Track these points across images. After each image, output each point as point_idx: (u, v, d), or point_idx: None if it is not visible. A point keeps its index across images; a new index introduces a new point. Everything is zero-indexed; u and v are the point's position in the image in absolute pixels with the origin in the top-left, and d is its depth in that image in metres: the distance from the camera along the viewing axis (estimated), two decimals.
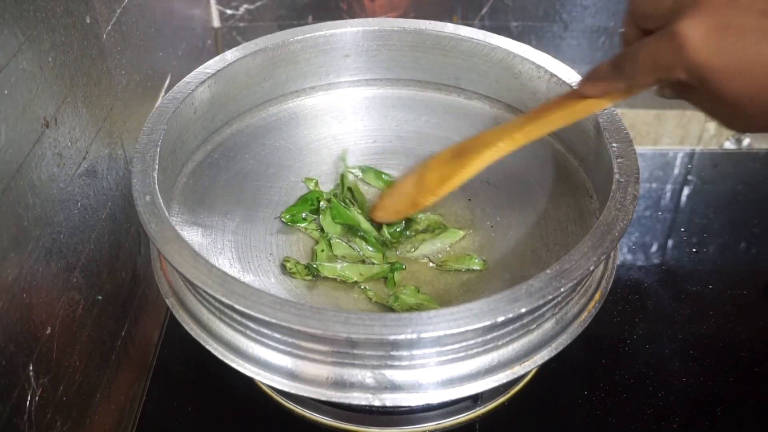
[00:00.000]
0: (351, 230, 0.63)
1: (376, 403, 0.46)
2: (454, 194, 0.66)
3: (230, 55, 0.62)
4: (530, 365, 0.48)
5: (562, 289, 0.43)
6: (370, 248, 0.61)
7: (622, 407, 0.58)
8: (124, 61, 0.59)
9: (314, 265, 0.59)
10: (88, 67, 0.52)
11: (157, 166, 0.52)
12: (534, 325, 0.47)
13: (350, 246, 0.61)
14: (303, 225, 0.63)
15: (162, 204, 0.49)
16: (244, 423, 0.58)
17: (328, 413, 0.57)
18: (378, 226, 0.62)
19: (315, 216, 0.64)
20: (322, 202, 0.64)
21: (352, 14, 0.88)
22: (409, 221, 0.63)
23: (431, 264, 0.61)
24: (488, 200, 0.65)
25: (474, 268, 0.60)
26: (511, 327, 0.46)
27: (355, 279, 0.59)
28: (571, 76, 0.60)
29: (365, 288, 0.58)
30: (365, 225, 0.62)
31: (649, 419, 0.57)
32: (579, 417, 0.58)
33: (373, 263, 0.60)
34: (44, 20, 0.46)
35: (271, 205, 0.64)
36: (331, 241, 0.61)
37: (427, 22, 0.66)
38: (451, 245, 0.62)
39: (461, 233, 0.62)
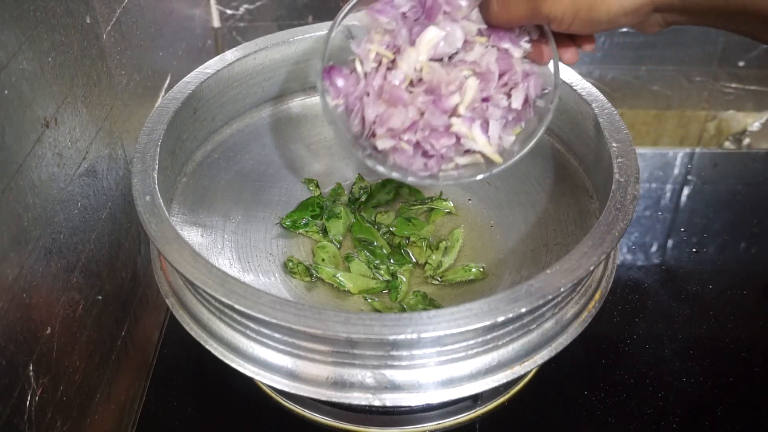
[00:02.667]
0: (359, 241, 0.63)
1: (376, 403, 0.46)
2: (455, 194, 0.66)
3: (230, 55, 0.62)
4: (530, 365, 0.48)
5: (562, 289, 0.43)
6: (377, 261, 0.61)
7: (622, 407, 0.58)
8: (124, 61, 0.59)
9: (314, 269, 0.59)
10: (88, 67, 0.52)
11: (157, 166, 0.52)
12: (534, 325, 0.47)
13: (360, 260, 0.61)
14: (303, 230, 0.63)
15: (162, 204, 0.49)
16: (244, 423, 0.58)
17: (328, 413, 0.57)
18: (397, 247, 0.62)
19: (316, 221, 0.64)
20: (336, 208, 0.64)
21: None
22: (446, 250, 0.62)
23: (431, 278, 0.60)
24: (488, 200, 0.65)
25: (474, 278, 0.60)
26: (511, 327, 0.46)
27: (349, 289, 0.59)
28: (571, 76, 0.60)
29: (371, 300, 0.58)
30: (381, 241, 0.62)
31: (648, 419, 0.57)
32: (579, 417, 0.58)
33: (379, 277, 0.60)
34: (44, 20, 0.46)
35: (271, 206, 0.64)
36: (348, 257, 0.61)
37: None
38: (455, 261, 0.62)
39: (475, 271, 0.60)
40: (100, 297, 0.55)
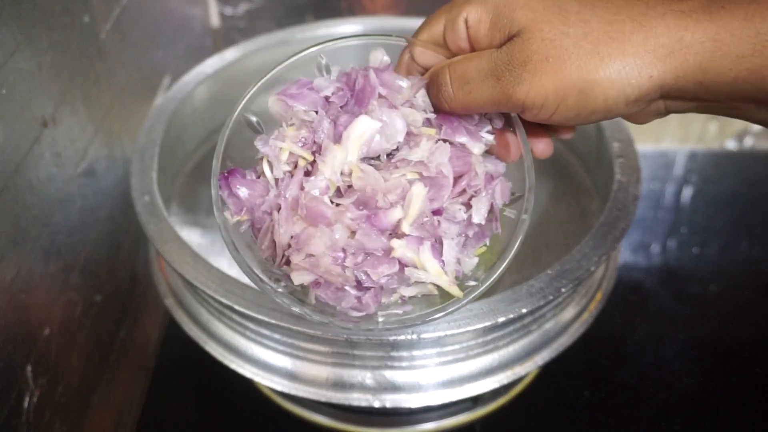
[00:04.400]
0: None
1: (376, 404, 0.46)
2: None
3: (229, 54, 0.62)
4: (531, 366, 0.47)
5: (563, 290, 0.43)
6: None
7: (623, 408, 0.58)
8: (123, 61, 0.59)
9: None
10: (87, 67, 0.52)
11: (156, 166, 0.51)
12: (534, 326, 0.47)
13: None
14: None
15: (161, 204, 0.49)
16: (244, 424, 0.58)
17: (328, 414, 0.56)
18: None
19: None
20: None
21: (352, 14, 0.88)
22: None
23: None
24: None
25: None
26: (511, 328, 0.45)
27: None
28: None
29: None
30: None
31: (649, 420, 0.57)
32: (579, 418, 0.58)
33: None
34: (42, 19, 0.45)
35: None
36: None
37: None
38: None
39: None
40: (99, 297, 0.55)
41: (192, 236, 0.57)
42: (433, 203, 0.36)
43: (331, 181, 0.36)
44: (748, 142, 0.93)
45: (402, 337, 0.41)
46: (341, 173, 0.36)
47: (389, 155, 0.37)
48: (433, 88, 0.36)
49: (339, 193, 0.36)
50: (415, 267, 0.36)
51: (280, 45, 0.64)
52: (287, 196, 0.36)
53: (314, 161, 0.36)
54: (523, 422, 0.57)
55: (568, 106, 0.32)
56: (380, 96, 0.37)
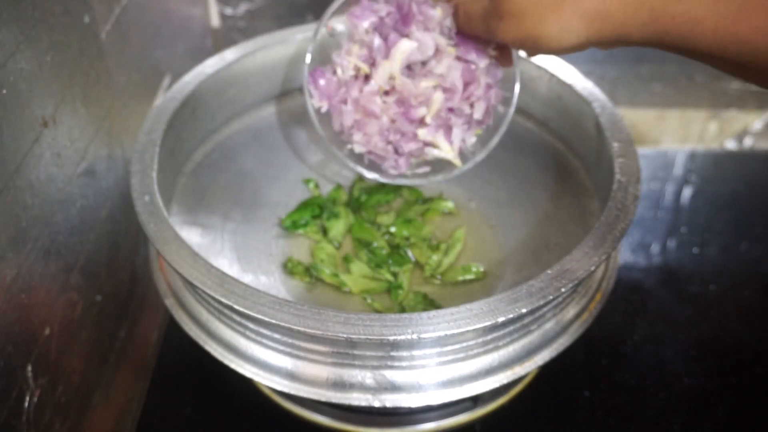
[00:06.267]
0: (358, 242, 0.62)
1: (376, 404, 0.46)
2: (456, 194, 0.66)
3: (229, 54, 0.62)
4: (531, 366, 0.47)
5: (563, 290, 0.43)
6: (377, 261, 0.60)
7: (623, 408, 0.58)
8: (123, 61, 0.59)
9: (314, 269, 0.59)
10: (87, 67, 0.52)
11: (156, 166, 0.52)
12: (534, 326, 0.47)
13: (360, 260, 0.60)
14: (303, 230, 0.63)
15: (161, 204, 0.49)
16: (244, 424, 0.58)
17: (328, 414, 0.56)
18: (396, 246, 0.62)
19: (316, 221, 0.63)
20: (336, 208, 0.63)
21: None
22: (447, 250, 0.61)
23: (431, 278, 0.60)
24: (489, 200, 0.65)
25: (474, 278, 0.59)
26: (511, 327, 0.45)
27: (351, 289, 0.58)
28: (572, 76, 0.59)
29: (371, 301, 0.58)
30: (381, 242, 0.62)
31: (650, 420, 0.57)
32: (579, 418, 0.58)
33: (378, 278, 0.60)
34: (43, 19, 0.45)
35: (270, 206, 0.64)
36: (347, 258, 0.60)
37: None
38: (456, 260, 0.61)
39: (475, 271, 0.59)
40: (99, 297, 0.55)
41: (192, 236, 0.57)
42: (447, 104, 0.54)
43: (381, 86, 0.55)
44: (748, 142, 0.93)
45: (402, 337, 0.41)
46: (389, 77, 0.54)
47: (423, 63, 0.54)
48: (455, 14, 0.52)
49: (387, 93, 0.55)
50: (432, 146, 0.56)
51: (280, 45, 0.64)
52: (351, 95, 0.55)
53: (370, 73, 0.55)
54: (523, 422, 0.57)
55: (526, 47, 0.45)
56: (418, 21, 0.53)
